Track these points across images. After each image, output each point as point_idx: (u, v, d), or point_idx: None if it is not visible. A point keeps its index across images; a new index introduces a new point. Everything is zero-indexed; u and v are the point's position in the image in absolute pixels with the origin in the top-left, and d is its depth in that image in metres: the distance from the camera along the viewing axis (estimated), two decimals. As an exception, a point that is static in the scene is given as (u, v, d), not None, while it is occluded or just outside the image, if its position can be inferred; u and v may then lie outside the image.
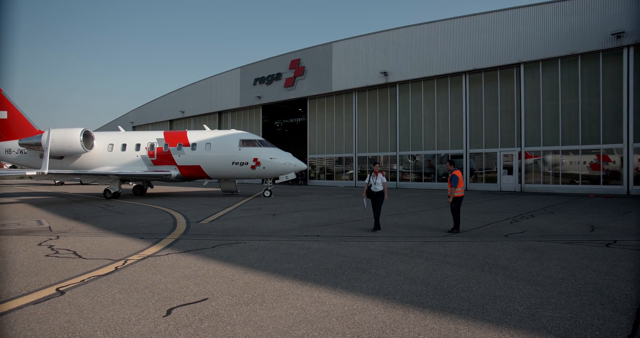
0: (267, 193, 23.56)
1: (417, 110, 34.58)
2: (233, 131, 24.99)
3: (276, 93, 43.28)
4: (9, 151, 25.70)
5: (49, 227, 12.07)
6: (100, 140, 25.09)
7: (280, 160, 22.76)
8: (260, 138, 24.26)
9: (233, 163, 23.03)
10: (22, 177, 24.84)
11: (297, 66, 41.14)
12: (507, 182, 29.77)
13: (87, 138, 24.35)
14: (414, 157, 34.75)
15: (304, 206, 18.54)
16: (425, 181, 33.95)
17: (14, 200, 22.51)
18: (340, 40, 38.18)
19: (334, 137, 40.57)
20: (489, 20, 30.16)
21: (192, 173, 24.10)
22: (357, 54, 37.09)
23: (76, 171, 22.75)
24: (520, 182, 29.25)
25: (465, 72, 31.67)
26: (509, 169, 29.88)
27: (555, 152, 28.10)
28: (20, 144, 24.65)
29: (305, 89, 40.82)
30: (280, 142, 40.76)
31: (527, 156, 29.19)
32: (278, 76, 42.85)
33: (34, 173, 16.62)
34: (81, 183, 40.79)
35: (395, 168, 35.83)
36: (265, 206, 18.21)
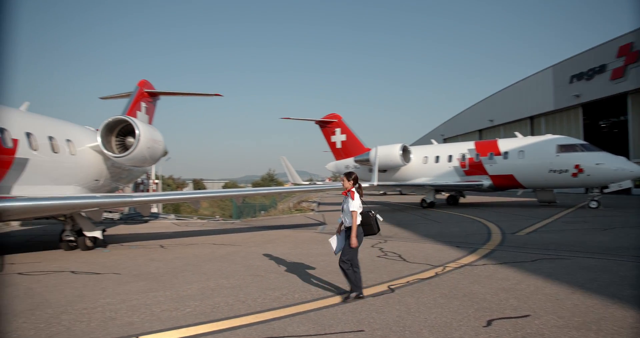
0: (593, 204, 20.39)
1: None
2: (548, 136, 23.09)
3: (599, 89, 36.99)
4: (347, 167, 31.15)
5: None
6: (416, 153, 27.37)
7: (609, 166, 19.43)
8: (582, 142, 21.43)
9: (550, 171, 21.14)
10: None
11: (628, 52, 34.16)
12: None
13: (405, 152, 26.98)
14: None
15: (648, 220, 15.16)
16: None
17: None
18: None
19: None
20: None
21: (504, 183, 23.43)
22: None
23: (397, 183, 25.68)
24: None
25: None
26: None
27: None
28: (355, 161, 29.59)
29: (642, 77, 33.43)
30: (608, 145, 34.49)
31: None
32: (601, 68, 36.59)
33: (366, 185, 19.66)
34: (400, 193, 45.27)
35: None
36: (592, 219, 15.82)
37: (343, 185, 6.40)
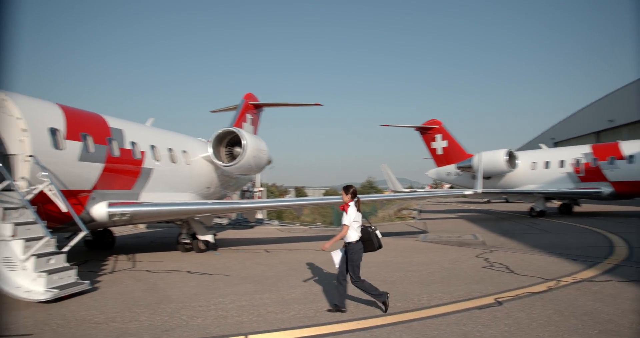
0: None
1: None
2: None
3: None
4: (448, 173, 30.09)
5: (483, 241, 13.29)
6: (523, 159, 25.63)
7: None
8: None
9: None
10: (458, 196, 28.70)
11: None
12: None
13: (511, 157, 25.39)
14: None
15: None
16: None
17: (453, 216, 26.21)
18: None
19: None
20: None
21: (629, 190, 21.07)
22: None
23: (503, 190, 24.28)
24: None
25: None
26: None
27: None
28: (457, 168, 28.50)
29: None
30: None
31: None
32: None
33: (470, 192, 18.89)
34: (506, 201, 42.62)
35: None
36: None
37: (342, 199, 6.19)
